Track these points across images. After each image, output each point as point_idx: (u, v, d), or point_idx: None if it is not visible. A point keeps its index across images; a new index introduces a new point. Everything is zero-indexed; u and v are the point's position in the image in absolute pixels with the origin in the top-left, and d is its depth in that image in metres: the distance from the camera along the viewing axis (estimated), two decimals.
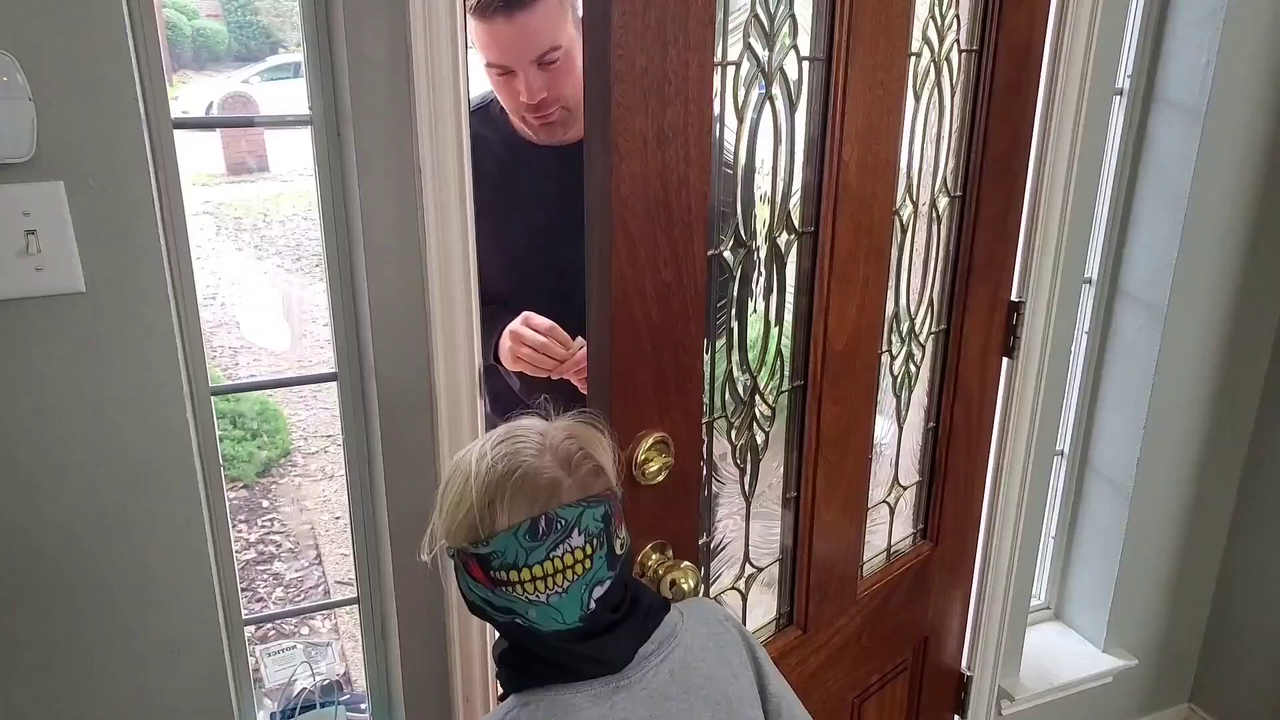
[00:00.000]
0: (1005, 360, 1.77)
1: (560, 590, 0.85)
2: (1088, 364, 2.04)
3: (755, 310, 1.30)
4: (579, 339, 1.52)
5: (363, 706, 1.97)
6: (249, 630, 1.35)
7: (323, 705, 1.50)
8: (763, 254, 1.28)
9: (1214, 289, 1.92)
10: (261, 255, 7.69)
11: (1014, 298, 1.72)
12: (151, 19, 1.04)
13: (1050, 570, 2.23)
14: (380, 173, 1.17)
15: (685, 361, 1.16)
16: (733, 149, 1.19)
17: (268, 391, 4.98)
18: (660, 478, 1.16)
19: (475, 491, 0.85)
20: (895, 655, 1.79)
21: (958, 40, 1.46)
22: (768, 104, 1.21)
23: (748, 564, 1.43)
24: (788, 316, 1.35)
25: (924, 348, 1.63)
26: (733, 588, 1.43)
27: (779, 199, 1.27)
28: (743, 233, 1.24)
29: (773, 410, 1.38)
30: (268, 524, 3.94)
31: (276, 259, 7.64)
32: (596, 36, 0.97)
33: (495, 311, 1.47)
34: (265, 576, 3.56)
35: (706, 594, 1.37)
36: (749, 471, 1.38)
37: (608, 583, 0.88)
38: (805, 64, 1.23)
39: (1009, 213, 1.64)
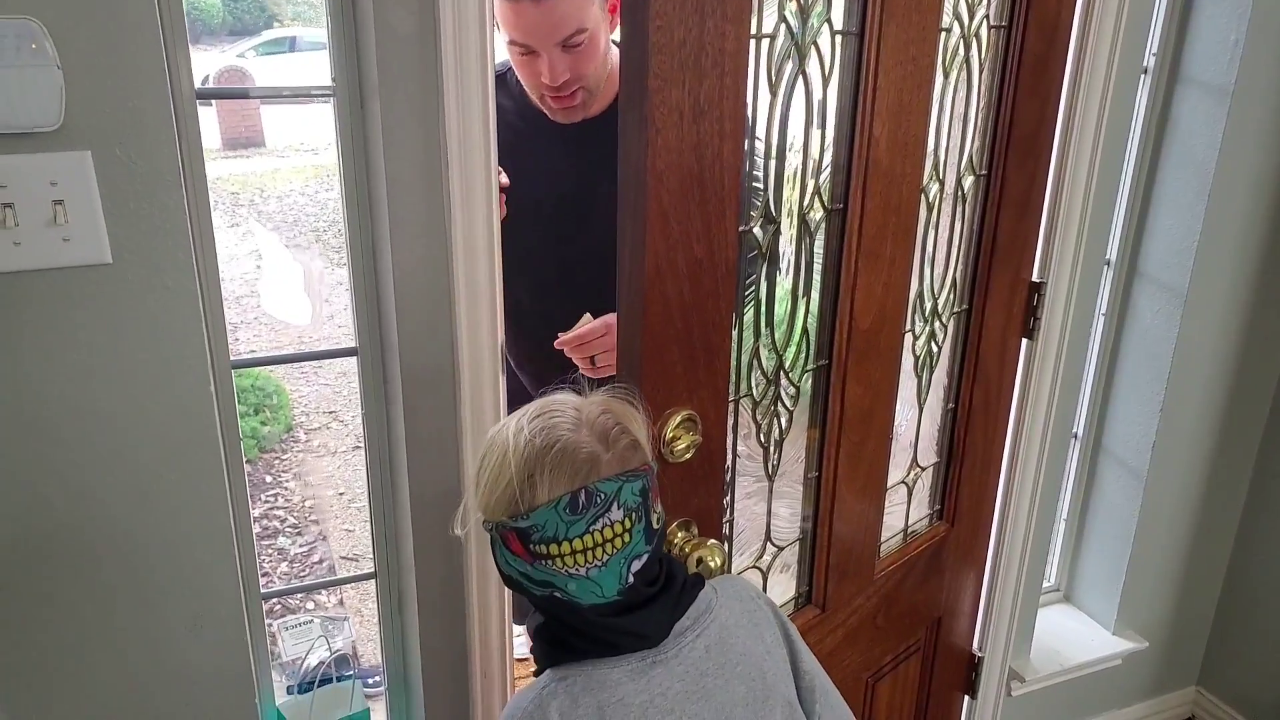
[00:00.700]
0: (1025, 342, 1.76)
1: (600, 564, 0.85)
2: (1104, 346, 2.03)
3: (783, 287, 1.29)
4: (585, 315, 1.51)
5: (371, 681, 1.98)
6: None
7: (339, 679, 1.50)
8: (793, 230, 1.27)
9: (1235, 273, 1.91)
10: (258, 231, 7.65)
11: (1035, 279, 1.71)
12: None
13: (1062, 553, 2.23)
14: (405, 146, 1.15)
15: (714, 339, 1.15)
16: (765, 124, 1.18)
17: (270, 367, 4.97)
18: (688, 455, 1.15)
19: (514, 465, 0.84)
20: (909, 636, 1.80)
21: (987, 16, 1.44)
22: (800, 78, 1.19)
23: (769, 543, 1.43)
24: (815, 294, 1.34)
25: (946, 328, 1.62)
26: (754, 566, 1.43)
27: (810, 175, 1.25)
28: (773, 209, 1.23)
29: (798, 390, 1.37)
30: (271, 499, 3.94)
31: (275, 234, 7.61)
32: (635, 7, 0.95)
33: None
34: (270, 552, 3.56)
35: (728, 572, 1.37)
36: (772, 451, 1.37)
37: (645, 556, 0.88)
38: (838, 38, 1.22)
39: (1033, 192, 1.62)
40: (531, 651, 0.95)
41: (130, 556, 1.15)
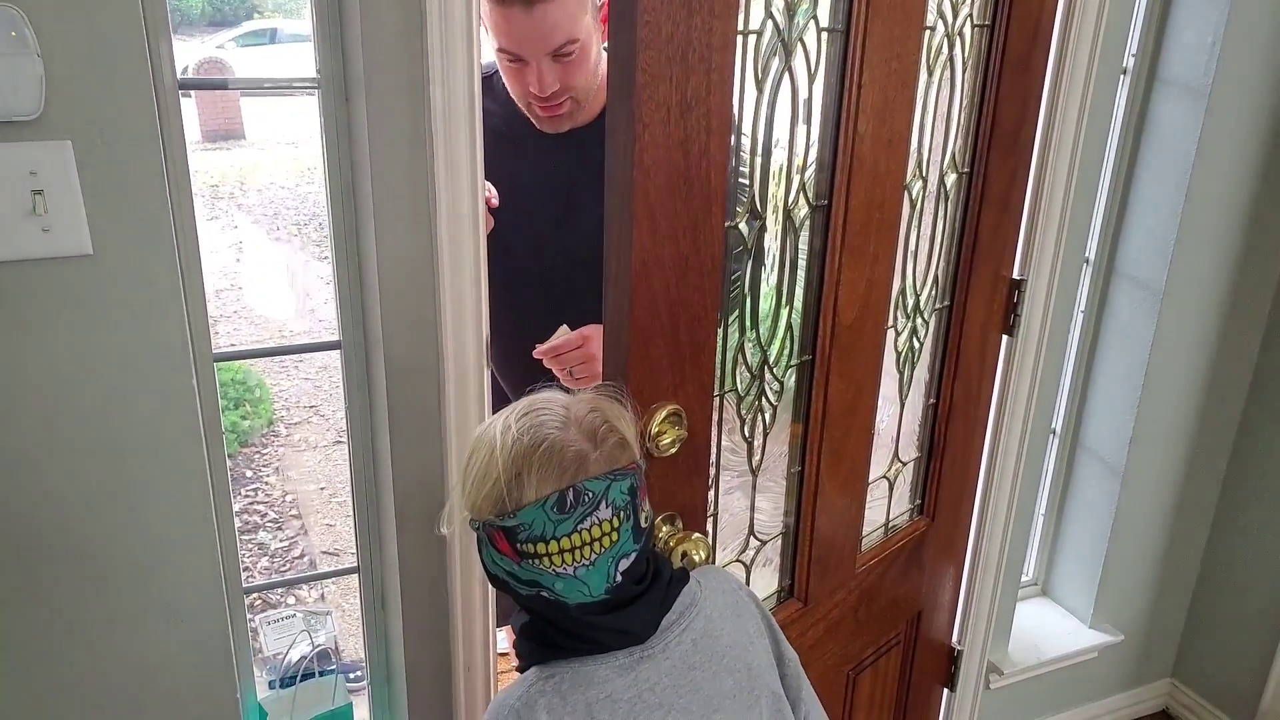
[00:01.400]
0: (1005, 338, 1.78)
1: (587, 563, 0.85)
2: (1082, 343, 2.06)
3: (768, 283, 1.29)
4: (562, 327, 1.49)
5: (354, 675, 1.97)
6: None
7: (322, 674, 1.49)
8: (778, 226, 1.27)
9: (1211, 271, 1.94)
10: (239, 224, 7.59)
11: (1015, 276, 1.73)
12: None
13: (1040, 547, 2.25)
14: (390, 138, 1.15)
15: (700, 334, 1.16)
16: (751, 120, 1.18)
17: (250, 361, 4.94)
18: (673, 450, 1.16)
19: (502, 464, 0.84)
20: (889, 629, 1.81)
21: (971, 15, 1.45)
22: (786, 75, 1.19)
23: (753, 537, 1.44)
24: (799, 290, 1.35)
25: (927, 324, 1.63)
26: (737, 560, 1.43)
27: (795, 171, 1.26)
28: (758, 205, 1.23)
29: (781, 385, 1.37)
30: (251, 494, 3.91)
31: (255, 227, 7.54)
32: (624, 3, 0.95)
33: None
34: (250, 546, 3.53)
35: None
36: (756, 446, 1.38)
37: (633, 555, 0.88)
38: (824, 35, 1.22)
39: (1014, 190, 1.64)
40: (515, 648, 0.95)
41: (111, 550, 1.14)
